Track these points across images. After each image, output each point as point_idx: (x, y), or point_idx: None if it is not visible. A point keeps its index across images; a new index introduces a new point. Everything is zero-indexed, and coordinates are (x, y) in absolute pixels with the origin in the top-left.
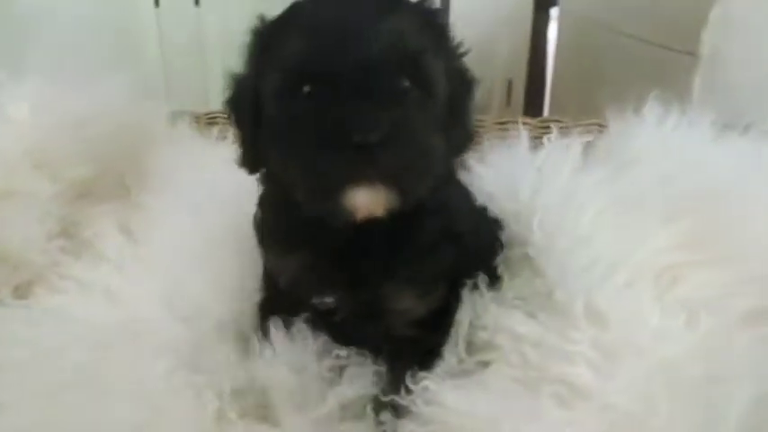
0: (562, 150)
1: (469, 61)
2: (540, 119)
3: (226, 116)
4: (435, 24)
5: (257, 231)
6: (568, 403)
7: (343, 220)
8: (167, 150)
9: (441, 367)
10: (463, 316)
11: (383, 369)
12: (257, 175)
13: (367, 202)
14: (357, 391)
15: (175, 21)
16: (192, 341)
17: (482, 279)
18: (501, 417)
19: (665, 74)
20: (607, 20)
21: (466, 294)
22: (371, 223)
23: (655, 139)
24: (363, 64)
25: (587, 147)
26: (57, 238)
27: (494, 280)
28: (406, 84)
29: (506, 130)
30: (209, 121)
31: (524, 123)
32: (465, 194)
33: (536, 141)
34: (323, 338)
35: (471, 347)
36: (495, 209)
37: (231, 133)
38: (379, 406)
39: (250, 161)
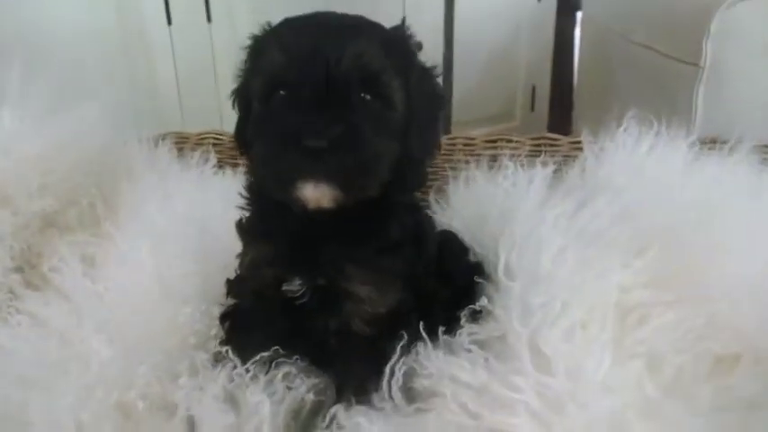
0: (526, 183)
1: (492, 67)
2: (532, 136)
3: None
4: (400, 48)
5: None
6: None
7: (298, 208)
8: (141, 178)
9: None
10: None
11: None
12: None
13: (313, 196)
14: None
15: (188, 37)
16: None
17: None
18: None
19: (671, 85)
20: (621, 26)
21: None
22: (340, 215)
23: (628, 164)
24: (327, 78)
25: (561, 173)
26: (14, 273)
27: (455, 326)
28: (367, 97)
29: (495, 148)
30: (198, 141)
31: (515, 141)
32: (429, 220)
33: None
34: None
35: (411, 394)
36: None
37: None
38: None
39: (239, 143)
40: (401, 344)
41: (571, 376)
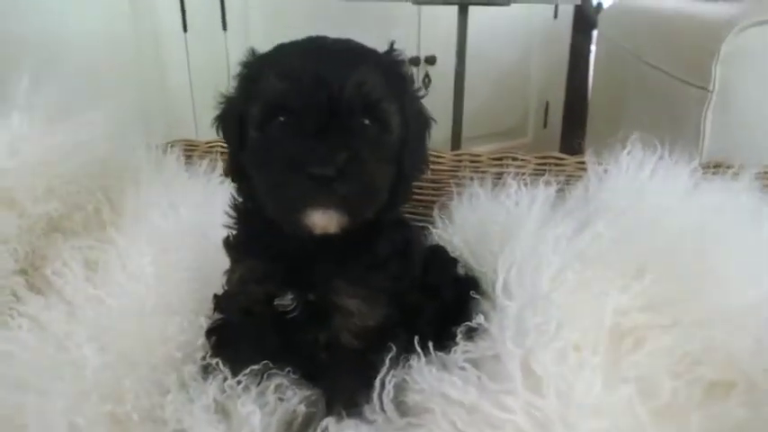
0: (528, 203)
1: (506, 82)
2: (538, 154)
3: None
4: (396, 74)
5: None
6: None
7: (302, 232)
8: (148, 186)
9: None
10: (392, 377)
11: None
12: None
13: (322, 223)
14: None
15: (203, 45)
16: (114, 390)
17: (431, 341)
18: None
19: (680, 107)
20: (633, 46)
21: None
22: (329, 235)
23: (630, 187)
24: (329, 105)
25: (564, 193)
26: (17, 275)
27: (448, 342)
28: (366, 122)
29: (501, 166)
30: (206, 149)
31: (520, 159)
32: (417, 235)
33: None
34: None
35: (403, 408)
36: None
37: (220, 164)
38: None
39: (233, 173)
40: (390, 356)
41: (561, 398)
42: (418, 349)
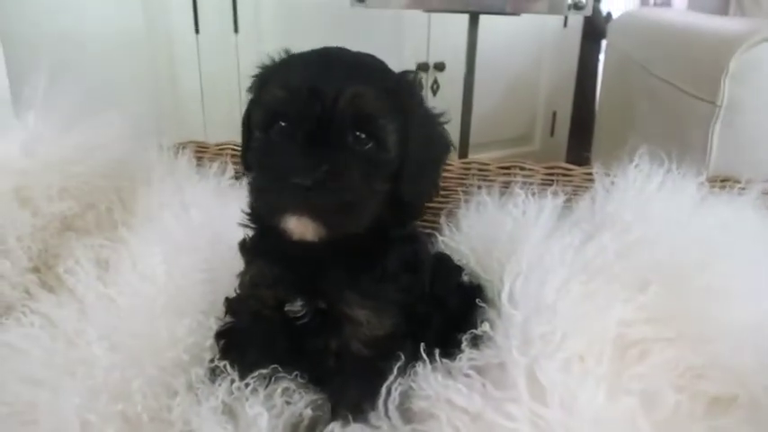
0: (535, 213)
1: (515, 90)
2: (546, 164)
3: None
4: (401, 93)
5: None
6: None
7: (286, 236)
8: (160, 186)
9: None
10: (399, 384)
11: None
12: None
13: (297, 229)
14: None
15: (215, 47)
16: (123, 390)
17: (436, 350)
18: None
19: (688, 121)
20: (642, 58)
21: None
22: (341, 244)
23: (637, 199)
24: (322, 116)
25: (567, 206)
26: (30, 273)
27: (453, 349)
28: (362, 136)
29: (509, 175)
30: (217, 152)
31: (528, 169)
32: (425, 248)
33: (530, 188)
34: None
35: (408, 414)
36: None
37: (231, 166)
38: None
39: (244, 166)
40: (398, 365)
41: (565, 408)
42: (424, 356)
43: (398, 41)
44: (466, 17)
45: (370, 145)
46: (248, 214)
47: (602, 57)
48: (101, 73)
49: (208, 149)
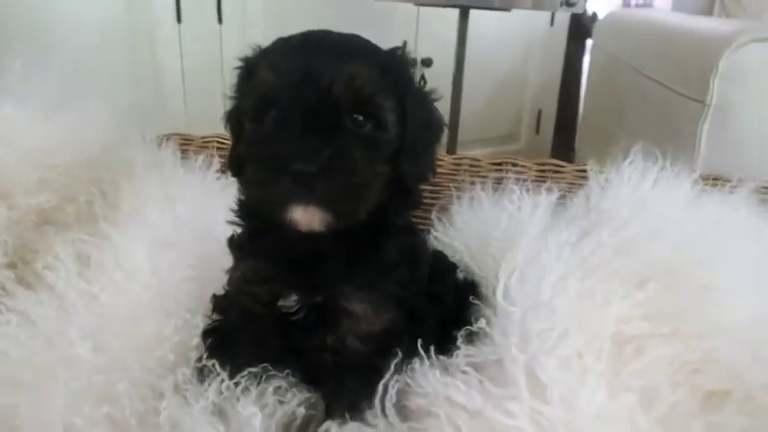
0: (531, 209)
1: (501, 89)
2: (538, 161)
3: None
4: (395, 71)
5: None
6: None
7: (291, 229)
8: (143, 179)
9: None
10: (395, 381)
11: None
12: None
13: (305, 220)
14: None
15: (197, 37)
16: (108, 392)
17: (432, 346)
18: None
19: (676, 120)
20: (630, 58)
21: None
22: (337, 235)
23: (632, 197)
24: (318, 99)
25: (561, 203)
26: (6, 269)
27: (449, 346)
28: (360, 117)
29: (500, 171)
30: (202, 144)
31: (520, 165)
32: (423, 242)
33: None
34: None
35: (405, 412)
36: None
37: (217, 159)
38: None
39: (232, 166)
40: (395, 361)
41: (566, 405)
42: (422, 353)
43: (386, 36)
44: (455, 13)
45: (369, 126)
46: (236, 211)
47: (587, 56)
48: (80, 62)
49: (192, 142)
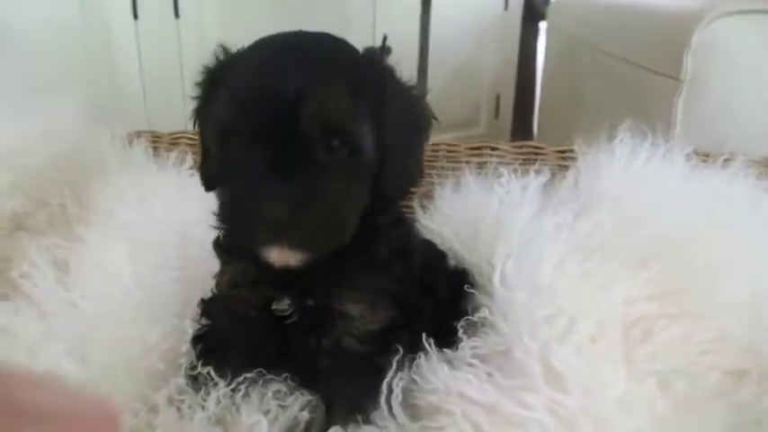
0: (519, 192)
1: (459, 75)
2: (516, 144)
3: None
4: (371, 79)
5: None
6: None
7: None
8: (116, 178)
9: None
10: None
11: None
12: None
13: (281, 259)
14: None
15: (154, 33)
16: None
17: (431, 339)
18: None
19: (647, 97)
20: (591, 37)
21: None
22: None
23: (625, 175)
24: (286, 131)
25: (551, 183)
26: None
27: (450, 339)
28: (335, 143)
29: (480, 156)
30: (172, 141)
31: (500, 149)
32: (413, 232)
33: (509, 168)
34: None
35: (416, 411)
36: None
37: (190, 156)
38: None
39: (204, 181)
40: (396, 358)
41: (585, 393)
42: (427, 347)
43: (343, 27)
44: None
45: (344, 152)
46: (219, 215)
47: (541, 39)
48: (36, 63)
49: (161, 139)
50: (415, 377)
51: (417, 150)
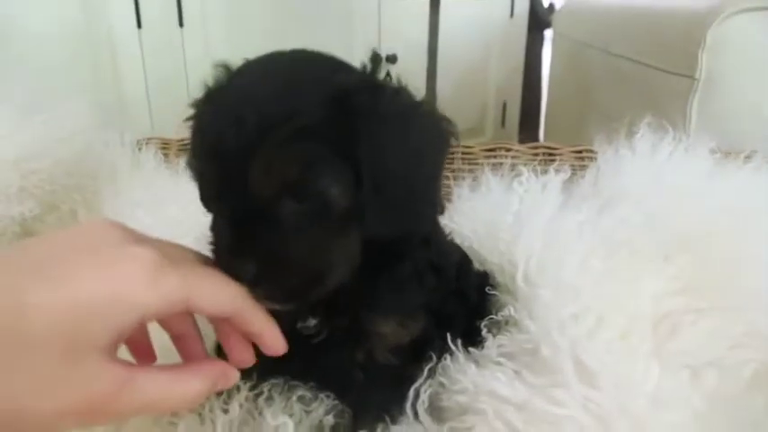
0: (539, 190)
1: (465, 83)
2: (530, 144)
3: None
4: (351, 105)
5: None
6: None
7: None
8: (127, 184)
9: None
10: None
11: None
12: None
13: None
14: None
15: (159, 42)
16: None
17: (458, 340)
18: None
19: (661, 97)
20: (601, 42)
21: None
22: None
23: (647, 171)
24: (244, 185)
25: (569, 182)
26: None
27: (476, 338)
28: (289, 203)
29: (495, 157)
30: (181, 147)
31: (514, 150)
32: (446, 250)
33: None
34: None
35: (442, 413)
36: (476, 261)
37: None
38: None
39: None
40: (429, 366)
41: (620, 390)
42: (453, 348)
43: (349, 35)
44: (417, 6)
45: (304, 207)
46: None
47: (547, 46)
48: (42, 73)
49: (170, 145)
50: (442, 379)
51: (424, 182)
